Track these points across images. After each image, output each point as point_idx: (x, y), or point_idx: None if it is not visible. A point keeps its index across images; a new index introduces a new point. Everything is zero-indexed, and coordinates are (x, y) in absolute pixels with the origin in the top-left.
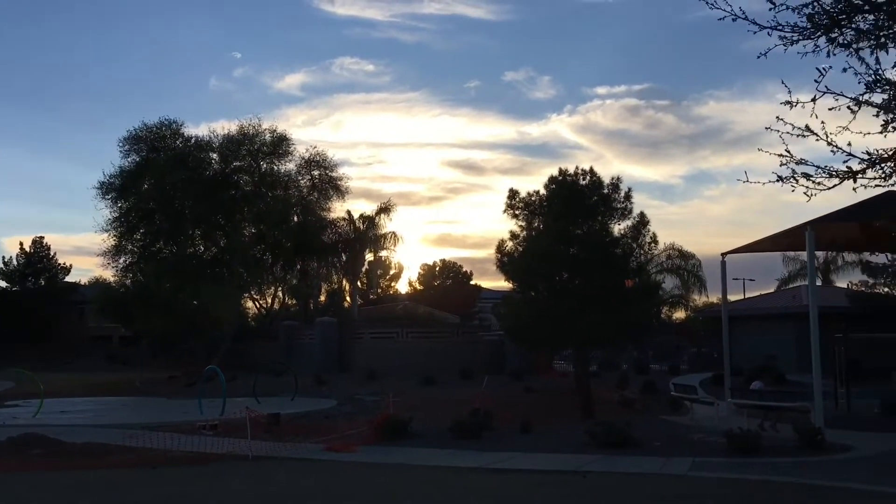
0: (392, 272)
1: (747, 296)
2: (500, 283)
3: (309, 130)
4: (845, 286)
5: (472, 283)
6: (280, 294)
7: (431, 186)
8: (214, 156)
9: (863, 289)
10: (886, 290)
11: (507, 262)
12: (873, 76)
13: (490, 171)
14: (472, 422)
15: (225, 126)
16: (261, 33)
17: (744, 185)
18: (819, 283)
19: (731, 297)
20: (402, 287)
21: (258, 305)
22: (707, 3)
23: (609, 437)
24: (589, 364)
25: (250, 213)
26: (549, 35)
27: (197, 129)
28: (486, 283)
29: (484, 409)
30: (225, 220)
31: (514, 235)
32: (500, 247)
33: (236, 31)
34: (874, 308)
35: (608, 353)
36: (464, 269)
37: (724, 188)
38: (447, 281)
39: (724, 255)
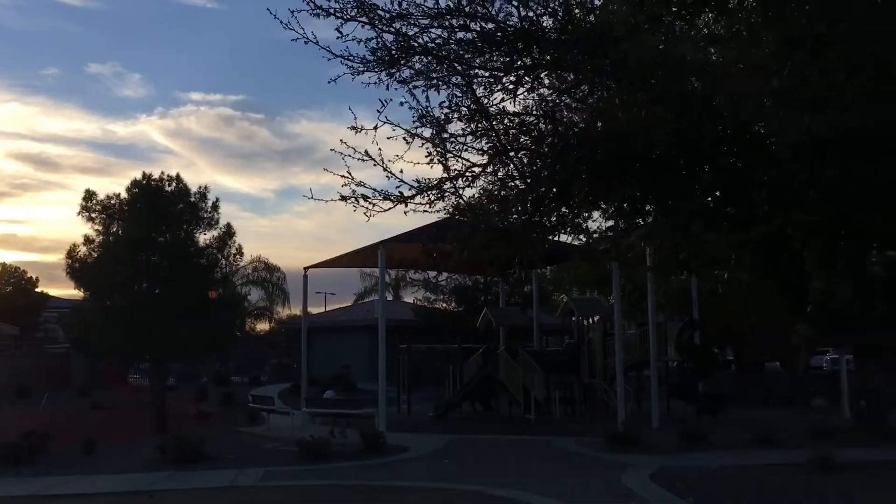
0: None
1: (328, 309)
2: (73, 292)
3: None
4: (412, 301)
5: (39, 290)
6: None
7: None
8: None
9: (425, 304)
10: (444, 305)
11: (79, 268)
12: (423, 112)
13: (68, 168)
14: (24, 445)
15: None
16: None
17: (329, 203)
18: (390, 298)
19: (314, 310)
20: None
21: None
22: (282, 22)
23: (181, 453)
24: (166, 377)
25: None
26: (141, 31)
27: None
28: (56, 291)
29: (41, 430)
30: None
31: (88, 240)
32: (72, 252)
33: None
34: (434, 321)
35: (188, 365)
36: (29, 275)
37: (311, 204)
38: (7, 287)
39: (306, 269)
